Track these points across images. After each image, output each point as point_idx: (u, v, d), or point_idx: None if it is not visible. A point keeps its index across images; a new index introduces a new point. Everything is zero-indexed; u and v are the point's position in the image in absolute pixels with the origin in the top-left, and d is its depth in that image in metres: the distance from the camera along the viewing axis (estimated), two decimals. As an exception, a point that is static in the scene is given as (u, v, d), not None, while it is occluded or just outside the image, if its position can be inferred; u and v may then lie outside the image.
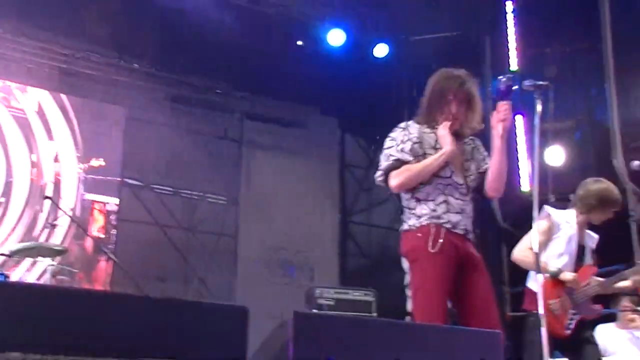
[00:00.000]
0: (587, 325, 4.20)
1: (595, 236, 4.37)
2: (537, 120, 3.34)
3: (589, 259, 4.23)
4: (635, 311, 5.41)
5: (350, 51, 9.32)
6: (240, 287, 9.50)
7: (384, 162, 3.38)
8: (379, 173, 3.40)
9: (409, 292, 3.23)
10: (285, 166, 10.43)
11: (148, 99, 9.37)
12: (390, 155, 3.35)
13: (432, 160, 3.26)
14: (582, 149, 8.09)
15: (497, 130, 3.30)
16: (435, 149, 3.30)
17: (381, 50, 9.48)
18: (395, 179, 3.31)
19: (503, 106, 3.29)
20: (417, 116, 3.48)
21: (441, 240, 3.16)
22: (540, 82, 3.37)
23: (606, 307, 5.69)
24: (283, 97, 10.16)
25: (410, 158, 3.29)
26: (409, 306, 3.25)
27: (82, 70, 8.77)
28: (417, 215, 3.26)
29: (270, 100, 10.12)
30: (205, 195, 9.80)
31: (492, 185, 3.42)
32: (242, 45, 8.77)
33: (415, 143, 3.31)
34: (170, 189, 9.57)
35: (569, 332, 4.03)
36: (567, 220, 4.20)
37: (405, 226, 3.31)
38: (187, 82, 9.44)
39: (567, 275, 4.05)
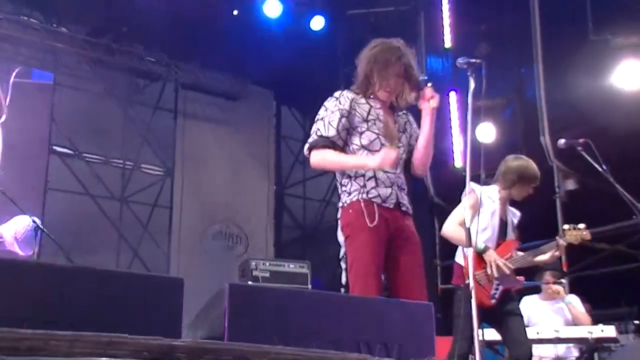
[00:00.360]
0: (512, 298, 4.37)
1: (517, 213, 4.55)
2: (470, 98, 3.41)
3: (511, 234, 4.40)
4: (556, 283, 5.66)
5: (287, 23, 9.25)
6: (175, 258, 9.42)
7: (311, 136, 3.42)
8: (306, 146, 3.43)
9: (343, 265, 3.28)
10: (220, 137, 10.34)
11: (79, 65, 9.07)
12: (318, 129, 3.38)
13: (350, 161, 3.32)
14: (512, 126, 8.32)
15: (425, 108, 3.36)
16: (367, 121, 3.33)
17: (317, 22, 9.45)
18: (314, 159, 3.38)
19: (426, 89, 3.35)
20: (353, 85, 3.48)
21: (377, 215, 3.21)
22: (473, 60, 3.43)
23: (530, 280, 5.95)
24: (219, 68, 10.02)
25: (334, 134, 3.32)
26: (344, 279, 3.29)
27: (11, 34, 8.38)
28: (348, 192, 3.32)
29: (205, 71, 9.96)
30: (139, 165, 9.62)
31: (419, 163, 3.50)
32: (179, 13, 8.57)
33: (343, 116, 3.33)
34: (102, 158, 9.35)
35: (494, 301, 4.19)
36: (489, 195, 4.36)
37: (340, 203, 3.36)
38: (120, 50, 9.17)
39: (491, 256, 4.20)
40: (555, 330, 5.09)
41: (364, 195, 3.27)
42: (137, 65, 9.40)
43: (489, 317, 4.22)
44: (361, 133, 3.35)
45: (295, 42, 9.37)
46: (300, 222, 11.22)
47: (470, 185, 4.35)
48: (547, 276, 5.82)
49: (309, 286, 6.82)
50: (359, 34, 9.19)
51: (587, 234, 4.40)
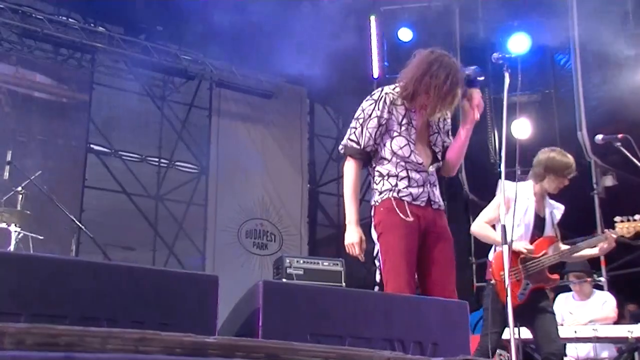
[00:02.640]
0: (544, 296, 4.28)
1: (561, 206, 4.42)
2: (505, 93, 3.36)
3: (549, 230, 4.30)
4: (584, 282, 5.56)
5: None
6: (210, 256, 9.50)
7: (347, 136, 3.41)
8: (340, 146, 3.45)
9: (377, 263, 3.28)
10: (254, 135, 10.39)
11: (116, 64, 9.21)
12: (354, 132, 3.37)
13: (347, 205, 3.34)
14: (548, 122, 8.19)
15: (470, 116, 3.32)
16: (401, 124, 3.32)
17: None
18: (345, 167, 3.42)
19: (475, 92, 3.29)
20: (396, 85, 3.40)
21: (408, 212, 3.20)
22: (509, 55, 3.38)
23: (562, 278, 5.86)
24: (253, 66, 10.07)
25: (371, 143, 3.32)
26: (377, 277, 3.28)
27: (51, 34, 8.55)
28: (379, 190, 3.31)
29: (240, 69, 10.02)
30: (175, 163, 9.73)
31: (449, 166, 3.47)
32: (213, 12, 8.63)
33: (380, 124, 3.31)
34: (138, 156, 9.48)
35: (520, 301, 4.11)
36: (524, 191, 4.27)
37: (372, 201, 3.35)
38: (155, 49, 9.28)
39: (517, 246, 4.10)
40: (594, 329, 4.99)
41: (395, 194, 3.26)
42: (173, 64, 9.50)
43: (519, 315, 4.14)
44: (393, 138, 3.32)
45: (329, 39, 9.35)
46: (334, 220, 11.21)
47: (500, 183, 4.29)
48: (571, 277, 5.72)
49: (343, 284, 6.82)
50: (393, 29, 9.15)
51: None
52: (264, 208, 10.32)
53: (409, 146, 3.31)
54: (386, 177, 3.31)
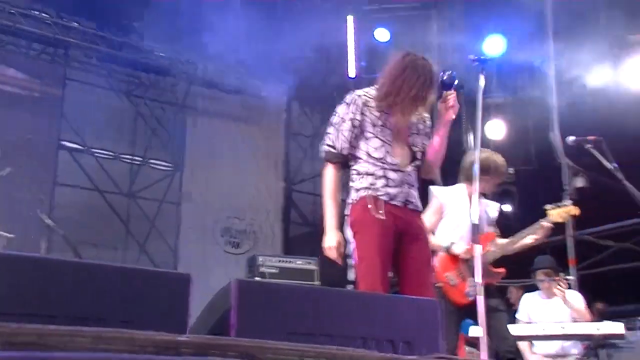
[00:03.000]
0: (492, 293, 4.34)
1: (495, 204, 4.52)
2: (479, 94, 3.40)
3: (486, 228, 4.37)
4: (552, 281, 5.64)
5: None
6: (183, 254, 9.44)
7: (324, 142, 3.46)
8: (321, 152, 3.48)
9: (351, 262, 3.29)
10: (230, 133, 10.34)
11: (90, 60, 9.10)
12: (329, 137, 3.42)
13: (327, 211, 3.37)
14: (521, 123, 8.29)
15: (445, 117, 3.37)
16: (376, 126, 3.35)
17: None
18: (324, 172, 3.44)
19: (450, 95, 3.34)
20: (372, 87, 3.45)
21: (381, 211, 3.22)
22: (484, 57, 3.41)
23: (528, 277, 5.94)
24: (230, 64, 10.01)
25: (346, 146, 3.36)
26: (351, 275, 3.30)
27: (24, 28, 8.41)
28: (356, 188, 3.34)
29: (216, 67, 9.96)
30: (148, 161, 9.65)
31: (428, 168, 3.53)
32: (189, 9, 8.57)
33: (355, 126, 3.35)
34: (111, 153, 9.37)
35: (470, 299, 4.18)
36: (456, 195, 4.37)
37: (348, 199, 3.37)
38: (131, 45, 9.19)
39: (457, 249, 4.24)
40: (562, 327, 5.06)
41: (372, 192, 3.28)
42: (148, 61, 9.41)
43: (471, 314, 4.22)
44: (368, 139, 3.36)
45: (306, 38, 9.34)
46: (309, 218, 11.20)
47: (431, 190, 4.40)
48: (539, 276, 5.81)
49: (317, 282, 6.82)
50: (372, 29, 9.17)
51: (573, 209, 4.36)
52: (238, 206, 10.28)
53: (384, 147, 3.34)
54: (363, 176, 3.33)
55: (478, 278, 3.20)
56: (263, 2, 9.16)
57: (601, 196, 7.10)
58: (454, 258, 4.27)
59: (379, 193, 3.28)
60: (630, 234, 7.32)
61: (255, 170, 10.51)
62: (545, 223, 4.34)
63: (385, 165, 3.32)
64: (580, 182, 7.68)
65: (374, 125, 3.35)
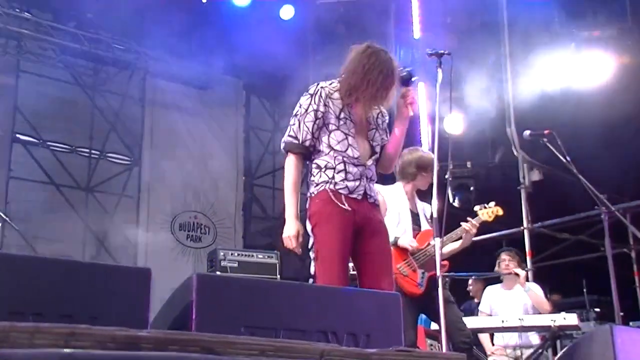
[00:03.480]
0: (444, 286, 4.45)
1: (428, 205, 4.64)
2: (437, 88, 3.44)
3: (425, 224, 4.51)
4: (509, 273, 5.77)
5: (256, 12, 9.19)
6: (142, 249, 9.33)
7: (286, 133, 3.43)
8: (282, 144, 3.46)
9: (312, 255, 3.30)
10: (189, 127, 10.25)
11: (44, 52, 8.90)
12: (292, 129, 3.40)
13: (288, 201, 3.35)
14: (480, 117, 8.41)
15: (404, 114, 3.40)
16: (338, 118, 3.35)
17: (287, 12, 9.41)
18: (286, 163, 3.42)
19: (409, 92, 3.37)
20: (337, 79, 3.43)
21: (345, 205, 3.24)
22: (442, 51, 3.45)
23: (491, 270, 6.06)
24: (188, 57, 9.91)
25: (309, 137, 3.34)
26: (312, 269, 3.31)
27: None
28: (316, 182, 3.34)
29: (174, 59, 9.84)
30: (106, 154, 9.50)
31: (386, 163, 3.56)
32: (150, 3, 8.46)
33: (317, 118, 3.34)
34: (68, 147, 9.20)
35: (422, 288, 4.31)
36: (395, 193, 4.48)
37: (308, 192, 3.38)
38: (86, 37, 9.01)
39: (403, 242, 4.36)
40: (520, 319, 5.18)
41: (332, 186, 3.29)
42: (104, 53, 9.24)
43: (424, 308, 4.32)
44: (330, 132, 3.35)
45: (264, 31, 9.31)
46: (269, 212, 11.19)
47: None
48: (503, 256, 5.92)
49: (278, 276, 6.82)
50: (328, 23, 9.18)
51: (498, 209, 4.55)
52: (198, 200, 10.21)
53: (347, 140, 3.35)
54: (323, 169, 3.34)
55: (438, 271, 3.25)
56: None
57: (556, 189, 7.27)
58: (402, 250, 4.36)
59: (338, 187, 3.29)
60: (584, 227, 7.50)
61: (215, 164, 10.45)
62: (467, 226, 4.47)
63: (346, 159, 3.33)
64: (535, 176, 7.85)
65: (337, 118, 3.36)
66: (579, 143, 5.17)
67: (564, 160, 4.29)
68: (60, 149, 9.09)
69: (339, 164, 3.33)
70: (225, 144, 10.67)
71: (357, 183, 3.33)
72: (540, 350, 5.41)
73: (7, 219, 6.34)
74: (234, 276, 6.05)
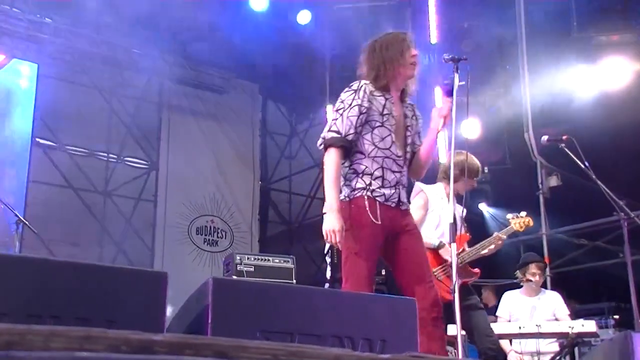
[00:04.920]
0: (470, 292, 4.44)
1: (461, 207, 4.63)
2: (454, 93, 3.43)
3: (461, 229, 4.49)
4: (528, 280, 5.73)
5: (274, 16, 9.22)
6: (159, 253, 9.38)
7: (326, 129, 3.39)
8: (320, 140, 3.41)
9: (328, 260, 3.31)
10: (206, 131, 10.29)
11: (63, 56, 8.98)
12: (335, 123, 3.35)
13: (329, 192, 3.28)
14: (497, 122, 8.37)
15: (437, 124, 3.42)
16: (382, 114, 3.35)
17: (304, 17, 9.43)
18: (326, 157, 3.35)
19: (447, 103, 3.36)
20: (363, 79, 3.45)
21: (379, 212, 3.24)
22: (458, 56, 3.45)
23: (513, 277, 6.01)
24: (205, 62, 9.96)
25: (352, 132, 3.31)
26: (328, 273, 3.31)
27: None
28: (353, 187, 3.32)
29: (192, 64, 9.90)
30: (124, 158, 9.56)
31: (418, 169, 3.58)
32: (165, 5, 8.51)
33: (362, 113, 3.33)
34: (86, 151, 9.27)
35: (452, 296, 4.29)
36: (437, 193, 4.45)
37: (341, 195, 3.35)
38: (104, 41, 9.09)
39: (445, 253, 4.34)
40: (537, 325, 5.13)
41: (369, 193, 3.28)
42: (123, 57, 9.31)
43: (452, 313, 4.29)
44: (374, 128, 3.34)
45: (281, 36, 9.35)
46: (285, 217, 11.21)
47: (418, 185, 4.48)
48: (533, 269, 5.86)
49: (294, 281, 6.82)
50: (345, 28, 9.18)
51: (529, 220, 4.55)
52: (214, 205, 10.24)
53: (391, 137, 3.35)
54: (361, 175, 3.33)
55: (455, 277, 3.24)
56: (240, 2, 9.14)
57: (574, 195, 7.20)
58: (439, 255, 4.34)
59: (375, 194, 3.29)
60: (603, 233, 7.43)
61: (232, 169, 10.48)
62: (501, 235, 4.52)
63: (387, 161, 3.33)
64: (553, 181, 7.79)
65: (381, 114, 3.36)
66: (597, 148, 5.12)
67: (582, 166, 4.26)
68: (79, 153, 9.16)
69: (376, 169, 3.32)
70: (242, 149, 10.69)
71: (393, 191, 3.33)
72: (558, 358, 5.36)
73: (25, 222, 6.39)
74: (249, 280, 6.05)
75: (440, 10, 8.78)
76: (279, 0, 9.19)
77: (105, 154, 9.44)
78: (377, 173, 3.31)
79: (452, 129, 3.39)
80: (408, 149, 3.46)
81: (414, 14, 9.08)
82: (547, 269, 7.44)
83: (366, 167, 3.32)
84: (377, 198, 3.28)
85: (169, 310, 2.20)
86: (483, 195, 8.85)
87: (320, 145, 3.39)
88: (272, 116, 11.42)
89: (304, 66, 9.73)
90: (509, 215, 4.60)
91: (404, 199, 3.39)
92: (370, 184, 3.29)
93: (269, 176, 11.28)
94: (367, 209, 3.24)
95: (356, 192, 3.30)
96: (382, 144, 3.32)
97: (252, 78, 10.76)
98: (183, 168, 9.89)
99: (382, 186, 3.30)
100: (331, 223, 3.20)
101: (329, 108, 10.28)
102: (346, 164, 3.39)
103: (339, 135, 3.31)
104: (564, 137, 4.33)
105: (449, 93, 3.36)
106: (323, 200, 3.41)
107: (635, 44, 7.44)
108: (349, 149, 3.34)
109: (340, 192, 3.34)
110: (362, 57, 3.48)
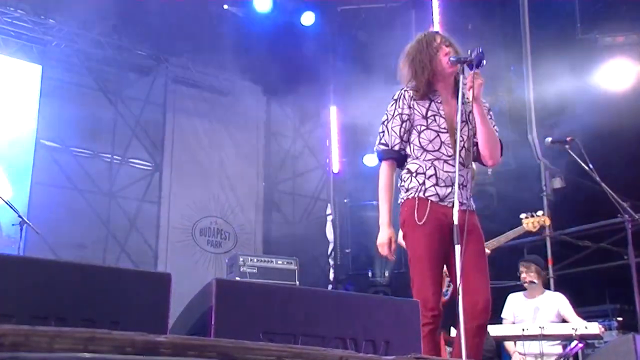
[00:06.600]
0: None
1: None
2: (459, 95, 3.42)
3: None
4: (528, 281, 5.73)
5: (278, 18, 9.24)
6: (163, 254, 9.39)
7: (377, 143, 3.46)
8: (375, 153, 3.50)
9: (331, 262, 3.32)
10: (210, 133, 10.31)
11: (68, 59, 9.01)
12: (382, 137, 3.42)
13: (382, 208, 3.37)
14: (501, 124, 8.34)
15: (467, 96, 3.24)
16: (426, 118, 3.34)
17: (308, 18, 9.44)
18: (380, 170, 3.44)
19: (470, 75, 3.21)
20: (404, 86, 3.47)
21: (427, 213, 3.23)
22: (464, 57, 3.44)
23: (514, 279, 6.01)
24: (209, 63, 9.98)
25: (397, 142, 3.37)
26: (332, 275, 3.33)
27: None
28: (406, 188, 3.35)
29: (196, 66, 9.91)
30: (128, 160, 9.58)
31: (484, 155, 3.40)
32: (169, 7, 8.53)
33: (404, 121, 3.36)
34: (90, 152, 9.29)
35: (446, 298, 4.30)
36: None
37: (399, 198, 3.40)
38: (109, 43, 9.12)
39: None
40: (540, 327, 5.12)
41: (421, 194, 3.29)
42: (127, 59, 9.34)
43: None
44: (420, 132, 3.35)
45: (285, 37, 9.36)
46: (289, 218, 11.20)
47: None
48: (520, 267, 5.88)
49: (297, 282, 6.83)
50: (350, 29, 9.20)
51: (545, 219, 4.52)
52: (218, 206, 10.25)
53: (439, 137, 3.33)
54: (414, 175, 3.34)
55: (458, 278, 3.22)
56: (244, 3, 9.15)
57: (578, 196, 7.19)
58: None
59: (428, 194, 3.28)
60: (607, 235, 7.41)
61: (236, 170, 10.48)
62: (508, 235, 4.65)
63: (437, 163, 3.31)
64: (557, 183, 7.77)
65: (425, 117, 3.36)
66: (602, 150, 5.11)
67: (587, 168, 4.25)
68: (83, 154, 9.17)
69: (429, 168, 3.32)
70: (246, 150, 10.70)
71: (449, 190, 3.27)
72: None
73: (29, 223, 6.40)
74: (253, 282, 6.06)
75: (444, 11, 8.79)
76: (283, 1, 9.21)
77: (110, 156, 9.46)
78: (430, 172, 3.32)
79: (457, 131, 3.36)
80: (466, 144, 3.35)
81: (418, 15, 9.09)
82: (550, 271, 7.44)
83: (419, 166, 3.35)
84: (430, 197, 3.28)
85: (173, 312, 2.21)
86: (487, 197, 8.83)
87: (376, 156, 3.52)
88: (276, 117, 11.41)
89: (308, 67, 9.74)
90: (523, 215, 4.57)
91: (463, 199, 3.24)
92: (423, 183, 3.31)
93: (273, 177, 11.28)
94: (415, 209, 3.27)
95: (410, 192, 3.33)
96: (431, 147, 3.33)
97: (256, 79, 10.76)
98: (187, 169, 9.91)
99: (436, 184, 3.30)
100: (380, 237, 3.34)
101: (333, 109, 10.30)
102: (401, 167, 3.45)
103: (386, 148, 3.41)
104: (568, 139, 4.32)
105: (472, 66, 3.28)
106: (327, 201, 3.43)
107: (640, 45, 7.43)
108: (399, 158, 3.41)
109: (400, 194, 3.41)
110: (400, 62, 3.50)
